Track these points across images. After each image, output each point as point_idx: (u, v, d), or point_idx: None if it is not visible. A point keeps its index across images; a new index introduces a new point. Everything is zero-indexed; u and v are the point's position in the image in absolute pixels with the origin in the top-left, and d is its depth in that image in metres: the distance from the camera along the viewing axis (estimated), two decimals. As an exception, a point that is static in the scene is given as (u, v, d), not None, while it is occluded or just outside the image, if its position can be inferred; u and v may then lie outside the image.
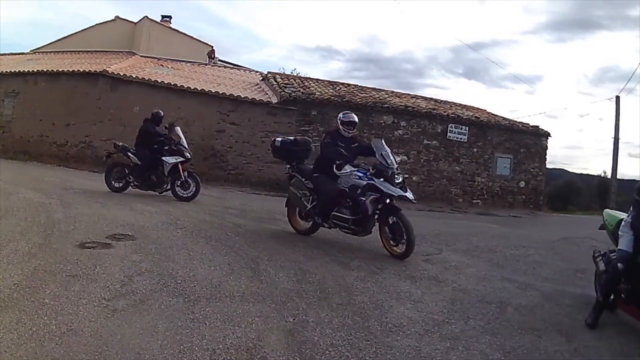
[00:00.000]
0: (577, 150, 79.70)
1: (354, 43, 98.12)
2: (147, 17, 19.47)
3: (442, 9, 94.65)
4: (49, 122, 14.71)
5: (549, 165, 18.82)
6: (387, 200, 5.42)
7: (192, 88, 14.17)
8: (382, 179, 5.47)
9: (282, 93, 14.00)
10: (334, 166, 5.69)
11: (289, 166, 6.46)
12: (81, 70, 14.83)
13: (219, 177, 13.66)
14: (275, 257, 5.01)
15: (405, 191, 5.50)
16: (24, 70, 15.29)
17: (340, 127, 5.94)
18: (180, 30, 20.83)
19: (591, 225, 13.50)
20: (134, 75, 14.42)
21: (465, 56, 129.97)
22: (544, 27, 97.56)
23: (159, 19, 20.57)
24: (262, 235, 6.11)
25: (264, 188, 13.17)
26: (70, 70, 14.94)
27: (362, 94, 15.94)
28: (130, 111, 14.15)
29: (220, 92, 14.17)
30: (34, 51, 19.54)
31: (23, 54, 19.04)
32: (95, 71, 14.54)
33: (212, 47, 20.92)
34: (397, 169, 5.59)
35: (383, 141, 5.88)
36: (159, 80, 14.28)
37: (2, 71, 15.36)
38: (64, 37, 19.83)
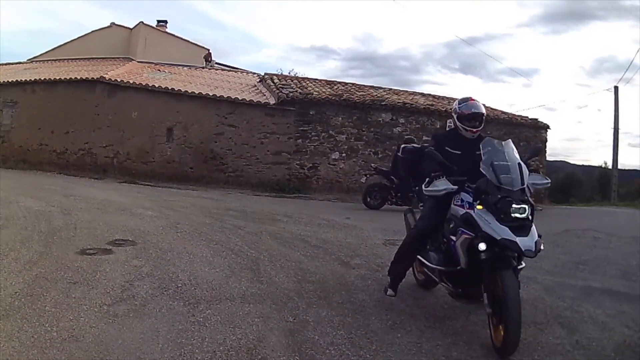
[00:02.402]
0: (577, 142, 79.80)
1: (349, 42, 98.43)
2: (142, 22, 19.52)
3: (436, 4, 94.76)
4: (48, 131, 14.76)
5: (550, 158, 18.84)
6: (483, 247, 3.07)
7: (190, 92, 14.19)
8: (483, 208, 3.16)
9: (280, 94, 14.01)
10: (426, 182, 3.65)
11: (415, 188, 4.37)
12: (79, 77, 14.86)
13: (218, 179, 13.70)
14: (276, 257, 5.01)
15: (524, 234, 3.03)
16: (22, 80, 15.33)
17: (459, 124, 3.69)
18: (176, 34, 20.93)
19: (593, 216, 13.49)
20: (131, 81, 14.44)
21: (461, 51, 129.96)
22: (538, 20, 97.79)
23: (154, 24, 20.61)
24: (263, 236, 6.11)
25: (264, 189, 13.19)
26: (68, 78, 14.97)
27: (359, 92, 15.93)
28: (129, 117, 14.23)
29: (218, 95, 14.18)
30: (31, 60, 19.60)
31: (20, 63, 19.08)
32: (92, 78, 14.57)
33: (208, 50, 20.98)
34: (521, 191, 3.13)
35: (509, 144, 3.41)
36: (157, 85, 14.31)
37: (0, 81, 15.40)
38: (61, 45, 19.92)
